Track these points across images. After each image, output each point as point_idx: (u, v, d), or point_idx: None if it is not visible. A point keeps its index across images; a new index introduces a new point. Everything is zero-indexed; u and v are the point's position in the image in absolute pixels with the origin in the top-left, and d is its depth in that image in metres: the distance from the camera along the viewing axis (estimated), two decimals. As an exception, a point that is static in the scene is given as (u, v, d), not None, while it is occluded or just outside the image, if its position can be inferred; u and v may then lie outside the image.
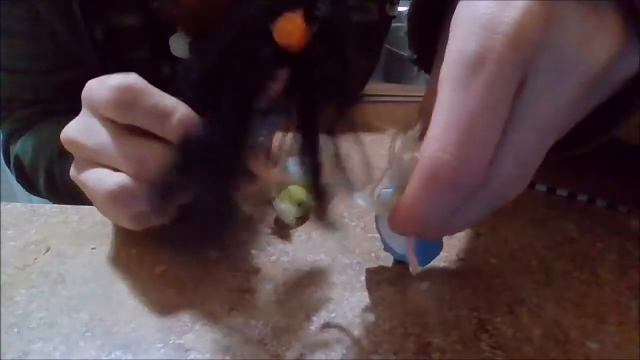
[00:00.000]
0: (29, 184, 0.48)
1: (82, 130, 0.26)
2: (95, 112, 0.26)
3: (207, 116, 0.24)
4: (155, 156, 0.24)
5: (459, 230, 0.22)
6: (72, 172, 0.27)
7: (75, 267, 0.28)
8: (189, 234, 0.26)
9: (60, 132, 0.27)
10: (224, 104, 0.23)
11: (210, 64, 0.24)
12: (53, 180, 0.43)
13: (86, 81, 0.26)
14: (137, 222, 0.27)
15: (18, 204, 0.34)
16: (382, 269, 0.29)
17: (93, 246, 0.30)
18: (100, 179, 0.25)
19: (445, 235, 0.25)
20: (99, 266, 0.28)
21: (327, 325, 0.25)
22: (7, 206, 0.34)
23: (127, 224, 0.27)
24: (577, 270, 0.29)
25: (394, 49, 0.83)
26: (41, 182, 0.44)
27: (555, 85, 0.17)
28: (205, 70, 0.24)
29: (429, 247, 0.26)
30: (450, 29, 0.18)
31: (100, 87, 0.25)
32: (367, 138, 0.44)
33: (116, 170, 0.25)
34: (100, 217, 0.32)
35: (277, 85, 0.24)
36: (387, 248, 0.28)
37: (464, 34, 0.17)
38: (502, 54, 0.16)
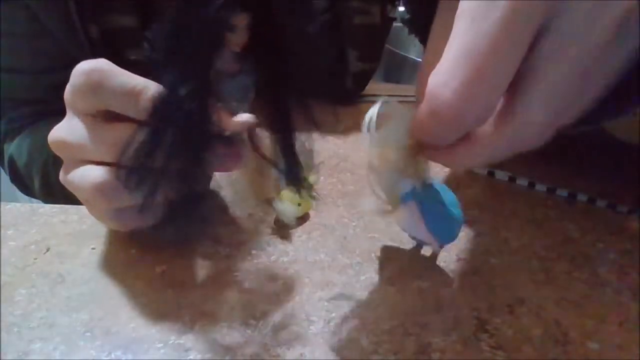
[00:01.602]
0: (24, 185, 0.48)
1: (66, 129, 0.26)
2: (75, 110, 0.26)
3: (170, 81, 0.23)
4: (134, 139, 0.24)
5: (475, 166, 0.21)
6: (61, 175, 0.27)
7: (75, 267, 0.28)
8: (170, 209, 0.26)
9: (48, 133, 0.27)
10: (185, 64, 0.22)
11: (168, 30, 0.23)
12: (48, 182, 0.43)
13: None
14: (123, 220, 0.27)
15: (18, 204, 0.34)
16: (382, 268, 0.29)
17: (93, 246, 0.30)
18: (84, 175, 0.25)
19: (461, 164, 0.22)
20: (99, 266, 0.28)
21: (327, 325, 0.25)
22: (7, 206, 0.34)
23: (113, 223, 0.27)
24: (577, 270, 0.29)
25: (394, 49, 0.83)
26: (36, 183, 0.44)
27: (586, 22, 0.16)
28: (165, 36, 0.23)
29: (448, 225, 0.26)
30: None
31: (71, 79, 0.25)
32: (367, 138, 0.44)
33: (101, 164, 0.25)
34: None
35: (237, 36, 0.23)
36: (409, 235, 0.28)
37: None
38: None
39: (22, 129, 0.46)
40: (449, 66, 0.16)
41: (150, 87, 0.23)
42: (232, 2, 0.21)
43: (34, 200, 0.48)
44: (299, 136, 0.27)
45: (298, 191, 0.29)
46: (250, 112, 0.26)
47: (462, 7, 0.17)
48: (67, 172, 0.27)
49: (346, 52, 0.49)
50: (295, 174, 0.28)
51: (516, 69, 0.16)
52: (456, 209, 0.27)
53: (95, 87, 0.24)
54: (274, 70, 0.26)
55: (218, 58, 0.23)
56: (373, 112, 0.21)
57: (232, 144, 0.25)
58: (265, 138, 0.28)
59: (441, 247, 0.29)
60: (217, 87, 0.23)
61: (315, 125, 0.27)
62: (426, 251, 0.29)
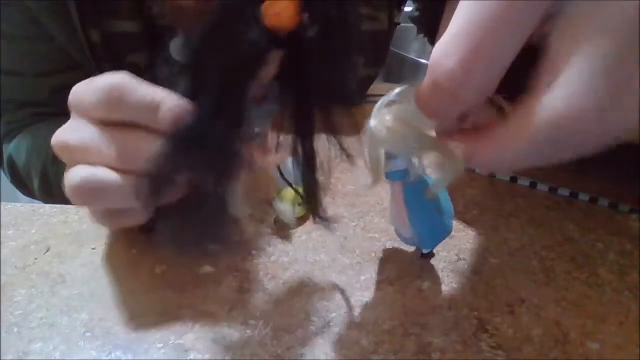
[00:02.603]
0: (23, 185, 0.48)
1: (70, 131, 0.26)
2: (84, 115, 0.25)
3: (197, 104, 0.23)
4: (145, 148, 0.24)
5: (502, 166, 0.20)
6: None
7: (75, 267, 0.28)
8: (187, 229, 0.26)
9: (53, 133, 0.26)
10: (213, 90, 0.23)
11: (193, 51, 0.23)
12: (47, 183, 0.43)
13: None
14: (109, 219, 0.26)
15: (18, 204, 0.34)
16: (382, 268, 0.29)
17: (93, 246, 0.30)
18: (71, 172, 0.25)
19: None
20: (99, 266, 0.28)
21: (327, 325, 0.25)
22: (7, 206, 0.34)
23: (103, 221, 0.27)
24: (577, 270, 0.29)
25: (394, 49, 0.83)
26: (35, 184, 0.44)
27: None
28: (189, 57, 0.23)
29: (436, 229, 0.26)
30: None
31: (87, 90, 0.25)
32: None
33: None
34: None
35: (269, 69, 0.23)
36: (396, 232, 0.28)
37: None
38: None
39: (22, 130, 0.46)
40: (452, 37, 0.16)
41: (169, 99, 0.24)
42: (268, 40, 0.22)
43: (34, 200, 0.48)
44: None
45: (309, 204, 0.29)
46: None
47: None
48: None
49: (353, 58, 0.49)
50: (312, 175, 0.29)
51: (522, 42, 0.15)
52: (447, 219, 0.27)
53: (117, 103, 0.24)
54: (299, 97, 0.26)
55: (249, 87, 0.23)
56: (389, 94, 0.21)
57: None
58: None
59: (421, 251, 0.29)
60: (246, 114, 0.23)
61: (335, 131, 0.27)
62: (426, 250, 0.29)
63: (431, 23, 0.23)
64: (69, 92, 0.26)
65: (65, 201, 0.34)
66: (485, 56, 0.15)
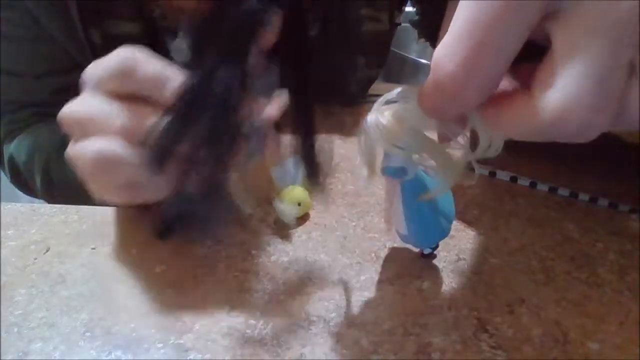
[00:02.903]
0: (24, 185, 0.48)
1: (79, 104, 0.26)
2: (96, 87, 0.26)
3: (199, 70, 0.24)
4: (153, 122, 0.24)
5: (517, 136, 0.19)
6: (68, 151, 0.27)
7: (75, 267, 0.28)
8: (188, 214, 0.26)
9: (55, 131, 0.27)
10: (214, 56, 0.23)
11: (200, 29, 0.24)
12: (50, 181, 0.43)
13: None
14: (128, 193, 0.26)
15: (18, 204, 0.34)
16: (382, 269, 0.29)
17: (93, 246, 0.30)
18: (85, 146, 0.25)
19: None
20: (99, 266, 0.28)
21: (327, 325, 0.25)
22: (7, 206, 0.34)
23: (117, 196, 0.27)
24: (577, 270, 0.29)
25: (395, 50, 0.83)
26: (37, 182, 0.44)
27: None
28: (201, 26, 0.24)
29: (430, 230, 0.26)
30: None
31: (100, 64, 0.25)
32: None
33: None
34: (100, 217, 0.32)
35: (269, 35, 0.24)
36: (395, 229, 0.28)
37: None
38: None
39: (22, 131, 0.46)
40: (453, 38, 0.16)
41: (177, 75, 0.24)
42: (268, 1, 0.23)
43: (34, 200, 0.48)
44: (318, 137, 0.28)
45: (313, 187, 0.29)
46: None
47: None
48: (72, 148, 0.26)
49: (354, 59, 0.49)
50: (315, 173, 0.29)
51: (522, 41, 0.16)
52: (445, 221, 0.26)
53: (127, 75, 0.24)
54: (298, 72, 0.27)
55: (252, 51, 0.24)
56: (391, 93, 0.21)
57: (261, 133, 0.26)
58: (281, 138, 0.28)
59: (422, 251, 0.29)
60: (248, 81, 0.24)
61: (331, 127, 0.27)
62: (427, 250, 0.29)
63: (432, 27, 0.23)
64: (69, 93, 0.27)
65: (67, 199, 0.34)
66: (485, 56, 0.15)
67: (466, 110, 0.18)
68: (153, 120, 0.24)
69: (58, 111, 0.26)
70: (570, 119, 0.15)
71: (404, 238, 0.28)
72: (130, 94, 0.25)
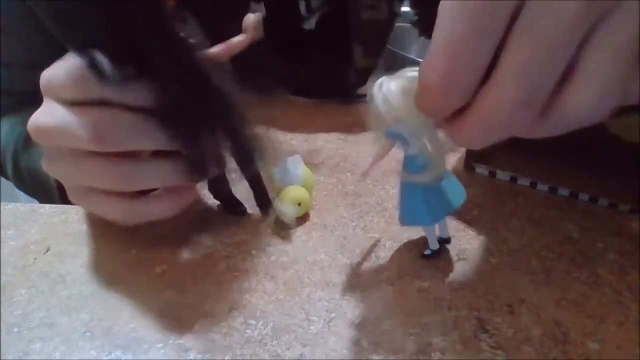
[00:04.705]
0: (1, 170, 0.49)
1: (43, 115, 0.26)
2: (55, 97, 0.26)
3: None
4: (119, 125, 0.25)
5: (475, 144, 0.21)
6: (44, 164, 0.27)
7: (75, 267, 0.28)
8: None
9: (23, 121, 0.27)
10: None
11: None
12: (19, 169, 0.44)
13: None
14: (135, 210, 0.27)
15: (18, 204, 0.34)
16: (382, 268, 0.29)
17: (93, 246, 0.30)
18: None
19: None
20: (99, 266, 0.28)
21: (327, 325, 0.25)
22: (7, 206, 0.34)
23: (122, 215, 0.27)
24: (577, 270, 0.29)
25: (394, 49, 0.83)
26: (9, 170, 0.45)
27: (550, 5, 0.17)
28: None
29: (414, 212, 0.27)
30: None
31: (56, 72, 0.25)
32: (367, 138, 0.44)
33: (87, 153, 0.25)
34: (100, 217, 0.32)
35: None
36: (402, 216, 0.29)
37: None
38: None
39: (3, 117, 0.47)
40: (434, 54, 0.18)
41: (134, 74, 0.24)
42: None
43: (34, 200, 0.48)
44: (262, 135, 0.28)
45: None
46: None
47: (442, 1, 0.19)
48: (50, 162, 0.27)
49: (352, 48, 0.49)
50: (263, 201, 0.31)
51: (492, 52, 0.18)
52: (438, 210, 0.27)
53: (84, 82, 0.24)
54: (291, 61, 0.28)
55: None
56: (402, 73, 0.23)
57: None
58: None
59: (422, 252, 0.29)
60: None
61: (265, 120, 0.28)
62: (427, 252, 0.29)
63: (429, 25, 0.25)
64: None
65: (38, 188, 0.34)
66: (461, 68, 0.18)
67: (451, 110, 0.20)
68: (119, 124, 0.24)
69: (36, 101, 0.26)
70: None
71: (398, 217, 0.28)
72: (90, 99, 0.25)
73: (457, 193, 0.28)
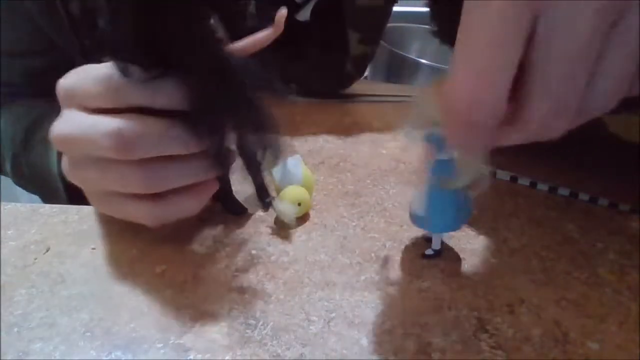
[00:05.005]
0: None
1: (68, 124, 0.26)
2: (79, 106, 0.26)
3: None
4: (145, 131, 0.25)
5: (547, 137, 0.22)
6: (67, 172, 0.28)
7: (75, 267, 0.28)
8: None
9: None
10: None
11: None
12: (19, 167, 0.43)
13: (58, 68, 0.26)
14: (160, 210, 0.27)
15: (18, 204, 0.34)
16: (382, 269, 0.29)
17: (93, 246, 0.30)
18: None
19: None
20: (99, 266, 0.28)
21: (327, 325, 0.25)
22: (7, 206, 0.34)
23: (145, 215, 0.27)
24: (577, 270, 0.29)
25: (394, 49, 0.83)
26: (8, 166, 0.45)
27: (570, 15, 0.17)
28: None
29: (446, 217, 0.27)
30: None
31: (81, 81, 0.25)
32: (367, 138, 0.44)
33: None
34: (100, 217, 0.32)
35: None
36: (410, 214, 0.28)
37: None
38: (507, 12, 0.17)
39: None
40: (456, 78, 0.18)
41: (168, 82, 0.25)
42: None
43: (34, 200, 0.48)
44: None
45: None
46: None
47: (461, 24, 0.19)
48: (74, 170, 0.27)
49: (347, 34, 0.49)
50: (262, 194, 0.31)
51: (514, 70, 0.18)
52: (462, 215, 0.27)
53: (114, 91, 0.25)
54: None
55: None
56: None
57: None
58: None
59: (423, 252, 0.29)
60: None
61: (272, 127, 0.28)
62: (428, 251, 0.29)
63: (449, 30, 0.26)
64: (43, 74, 0.26)
65: (34, 184, 0.34)
66: (485, 90, 0.18)
67: (487, 138, 0.20)
68: (145, 130, 0.25)
69: (31, 92, 0.26)
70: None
71: (417, 220, 0.28)
72: (116, 107, 0.25)
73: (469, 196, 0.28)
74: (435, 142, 0.24)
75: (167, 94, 0.25)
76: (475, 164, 0.23)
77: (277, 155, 0.29)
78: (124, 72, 0.24)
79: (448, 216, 0.27)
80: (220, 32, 0.25)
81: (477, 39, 0.18)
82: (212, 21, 0.25)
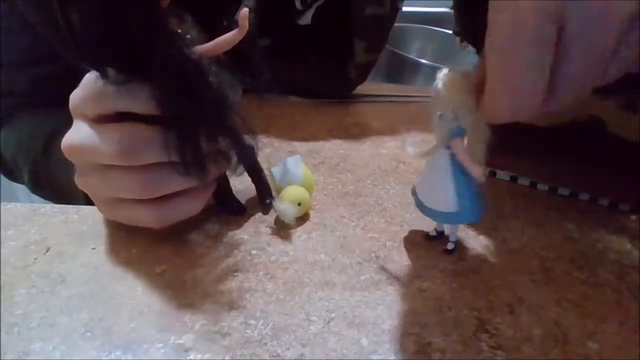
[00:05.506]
0: (11, 175, 0.49)
1: (73, 134, 0.27)
2: (79, 115, 0.27)
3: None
4: (142, 136, 0.25)
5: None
6: (76, 180, 0.28)
7: (75, 267, 0.28)
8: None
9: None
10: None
11: None
12: (37, 179, 0.44)
13: (63, 76, 0.27)
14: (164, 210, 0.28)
15: (18, 204, 0.34)
16: (382, 269, 0.29)
17: (93, 246, 0.30)
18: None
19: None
20: (99, 266, 0.28)
21: (327, 325, 0.25)
22: (7, 206, 0.34)
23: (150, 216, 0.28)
24: (577, 270, 0.29)
25: (394, 49, 0.83)
26: (25, 176, 0.45)
27: (593, 24, 0.18)
28: None
29: (480, 203, 0.27)
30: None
31: (77, 90, 0.26)
32: (367, 138, 0.44)
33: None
34: (100, 217, 0.32)
35: None
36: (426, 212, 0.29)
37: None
38: (534, 20, 0.19)
39: (4, 121, 0.47)
40: (495, 90, 0.21)
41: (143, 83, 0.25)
42: None
43: (34, 200, 0.48)
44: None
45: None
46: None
47: (488, 43, 0.20)
48: (81, 177, 0.28)
49: (354, 43, 0.49)
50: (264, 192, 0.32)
51: (547, 74, 0.19)
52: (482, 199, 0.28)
53: (102, 95, 0.25)
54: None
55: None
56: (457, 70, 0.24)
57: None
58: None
59: (445, 247, 0.29)
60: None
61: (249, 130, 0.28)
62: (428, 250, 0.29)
63: (475, 36, 0.27)
64: (49, 83, 0.27)
65: (53, 192, 0.34)
66: (524, 96, 0.20)
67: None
68: (141, 136, 0.25)
69: (38, 102, 0.27)
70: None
71: (450, 217, 0.28)
72: (113, 112, 0.26)
73: None
74: (461, 135, 0.25)
75: (144, 99, 0.25)
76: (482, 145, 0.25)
77: (252, 157, 0.29)
78: (102, 75, 0.24)
79: (478, 204, 0.27)
80: (193, 34, 0.25)
81: (510, 62, 0.20)
82: (186, 22, 0.25)
